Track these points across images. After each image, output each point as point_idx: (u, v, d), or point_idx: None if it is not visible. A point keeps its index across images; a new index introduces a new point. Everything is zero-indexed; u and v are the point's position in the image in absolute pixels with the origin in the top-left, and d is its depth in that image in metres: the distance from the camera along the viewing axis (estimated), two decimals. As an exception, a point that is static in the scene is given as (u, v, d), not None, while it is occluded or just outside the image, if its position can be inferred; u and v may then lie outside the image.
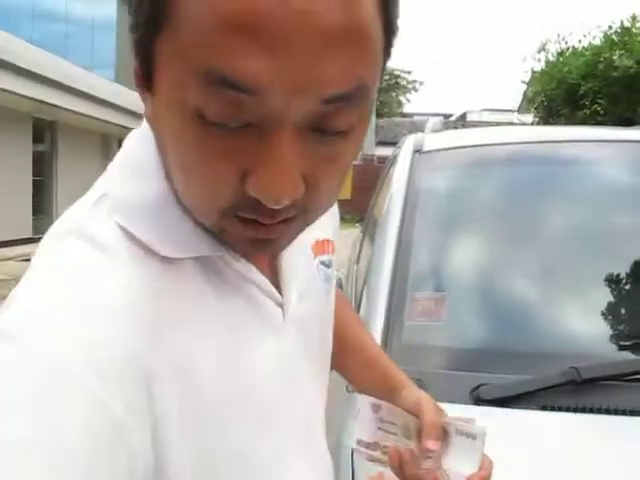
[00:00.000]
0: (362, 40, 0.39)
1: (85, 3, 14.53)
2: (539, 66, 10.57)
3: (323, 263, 0.67)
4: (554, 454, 1.02)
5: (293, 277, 0.58)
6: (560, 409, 1.09)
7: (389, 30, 0.42)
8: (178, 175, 0.45)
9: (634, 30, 9.02)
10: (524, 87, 12.14)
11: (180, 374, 0.45)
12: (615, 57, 8.70)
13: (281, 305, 0.55)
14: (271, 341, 0.54)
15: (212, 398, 0.47)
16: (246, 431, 0.50)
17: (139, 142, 0.52)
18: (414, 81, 37.80)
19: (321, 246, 0.66)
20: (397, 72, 37.14)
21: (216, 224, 0.46)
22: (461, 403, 1.11)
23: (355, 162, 0.49)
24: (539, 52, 10.49)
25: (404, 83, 37.37)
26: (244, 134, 0.41)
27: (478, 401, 1.11)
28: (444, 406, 1.14)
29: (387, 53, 0.43)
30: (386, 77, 36.99)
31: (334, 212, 0.74)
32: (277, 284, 0.56)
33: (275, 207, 0.42)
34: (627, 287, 1.43)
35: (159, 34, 0.41)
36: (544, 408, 1.09)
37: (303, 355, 0.59)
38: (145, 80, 0.45)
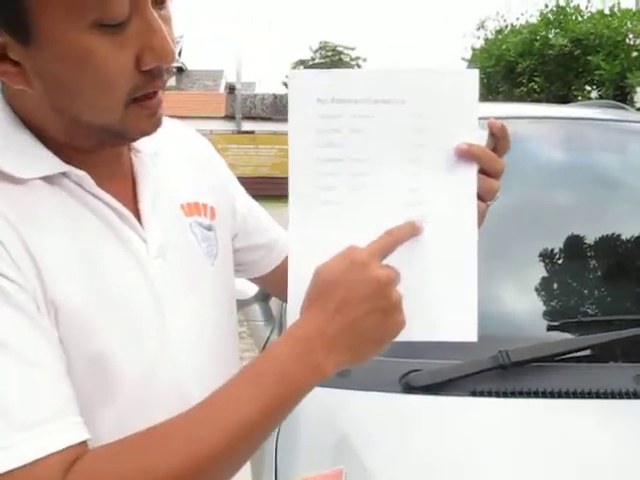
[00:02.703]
0: None
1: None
2: (478, 44, 10.67)
3: (200, 224, 0.73)
4: (485, 440, 0.99)
5: (155, 216, 0.67)
6: (490, 394, 1.06)
7: None
8: (77, 94, 0.57)
9: (569, 10, 9.19)
10: (465, 64, 12.26)
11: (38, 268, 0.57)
12: (551, 36, 8.85)
13: (144, 240, 0.65)
14: (131, 265, 0.64)
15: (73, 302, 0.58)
16: (106, 334, 0.60)
17: None
18: (357, 57, 37.74)
19: (194, 208, 0.73)
20: (340, 48, 36.99)
21: (120, 118, 0.59)
22: (390, 391, 1.08)
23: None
24: (478, 29, 10.59)
25: (347, 59, 37.26)
26: (127, 27, 0.55)
27: (407, 389, 1.07)
28: (373, 395, 1.11)
29: None
30: (329, 53, 36.84)
31: (216, 181, 0.80)
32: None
33: (171, 62, 0.58)
34: (555, 267, 1.41)
35: None
36: (474, 394, 1.06)
37: (176, 294, 0.67)
38: (11, 50, 0.56)
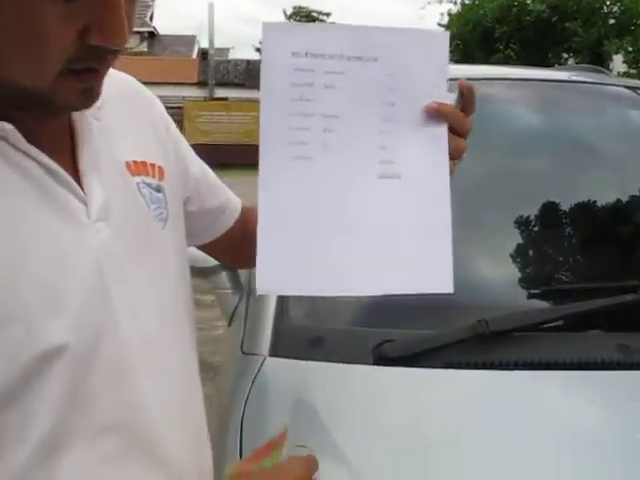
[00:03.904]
0: None
1: None
2: (455, 9, 10.56)
3: (149, 185, 0.68)
4: (462, 414, 0.94)
5: (97, 175, 0.61)
6: (468, 365, 1.01)
7: None
8: (9, 49, 0.51)
9: (547, -26, 9.10)
10: (441, 31, 12.15)
11: None
12: (528, 1, 8.77)
13: (84, 202, 0.59)
14: (67, 231, 0.57)
15: None
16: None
17: None
18: (333, 24, 37.30)
19: (141, 167, 0.68)
20: (315, 14, 36.58)
21: (50, 85, 0.53)
22: (362, 363, 1.02)
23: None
24: (455, -6, 10.46)
25: (322, 26, 36.80)
26: None
27: (380, 360, 1.01)
28: (345, 366, 1.06)
29: None
30: (304, 19, 36.30)
31: (167, 141, 0.75)
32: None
33: (119, 47, 0.54)
34: (535, 233, 1.36)
35: None
36: (451, 365, 1.00)
37: (124, 258, 0.62)
38: None
